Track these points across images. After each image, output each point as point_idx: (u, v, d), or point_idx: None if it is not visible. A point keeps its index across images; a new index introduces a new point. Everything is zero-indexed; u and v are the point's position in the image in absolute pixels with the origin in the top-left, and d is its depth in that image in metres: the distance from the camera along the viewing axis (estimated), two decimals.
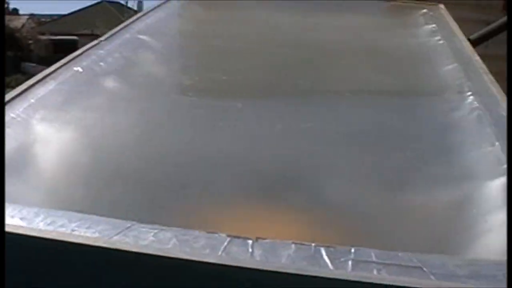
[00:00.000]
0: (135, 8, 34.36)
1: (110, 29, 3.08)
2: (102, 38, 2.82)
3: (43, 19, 38.51)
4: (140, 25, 3.18)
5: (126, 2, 40.00)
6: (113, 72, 2.49)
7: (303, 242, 1.27)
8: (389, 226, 1.59)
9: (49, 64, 2.49)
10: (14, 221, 1.32)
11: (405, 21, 3.68)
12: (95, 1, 38.93)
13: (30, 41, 31.81)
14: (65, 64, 2.44)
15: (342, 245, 1.28)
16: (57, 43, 31.34)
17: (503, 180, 1.66)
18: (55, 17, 39.40)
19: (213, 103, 2.34)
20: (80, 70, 2.42)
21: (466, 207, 1.63)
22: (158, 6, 3.61)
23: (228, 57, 2.85)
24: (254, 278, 1.19)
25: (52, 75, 2.31)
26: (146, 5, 27.78)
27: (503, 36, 4.48)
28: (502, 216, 1.53)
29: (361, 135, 2.12)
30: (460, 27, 3.32)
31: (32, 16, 34.91)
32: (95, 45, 2.71)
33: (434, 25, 3.39)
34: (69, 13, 38.89)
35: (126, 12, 28.84)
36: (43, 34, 33.47)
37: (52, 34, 33.23)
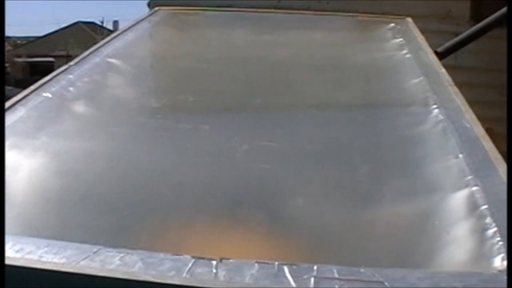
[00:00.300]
0: (111, 27, 34.44)
1: (86, 49, 3.09)
2: (71, 63, 2.83)
3: (19, 41, 38.43)
4: (110, 48, 3.19)
5: (102, 22, 39.92)
6: (82, 97, 2.51)
7: (266, 261, 1.29)
8: (352, 242, 1.62)
9: (26, 87, 2.50)
10: None
11: (372, 35, 3.72)
12: (70, 22, 39.02)
13: (6, 64, 31.69)
14: (35, 90, 2.45)
15: (305, 262, 1.31)
16: (33, 65, 31.32)
17: (466, 192, 1.68)
18: (31, 39, 39.31)
19: (180, 125, 2.35)
20: (50, 95, 2.43)
21: (428, 220, 1.65)
22: (129, 28, 3.63)
23: (195, 78, 2.87)
24: None
25: (22, 102, 2.32)
26: (122, 25, 27.78)
27: (472, 47, 4.54)
28: (465, 227, 1.56)
29: (326, 150, 2.15)
30: (428, 39, 3.37)
31: (7, 38, 34.78)
32: (64, 70, 2.72)
33: (401, 39, 3.43)
34: (45, 35, 38.89)
35: (100, 33, 28.85)
36: (19, 56, 33.41)
37: (28, 56, 33.19)
